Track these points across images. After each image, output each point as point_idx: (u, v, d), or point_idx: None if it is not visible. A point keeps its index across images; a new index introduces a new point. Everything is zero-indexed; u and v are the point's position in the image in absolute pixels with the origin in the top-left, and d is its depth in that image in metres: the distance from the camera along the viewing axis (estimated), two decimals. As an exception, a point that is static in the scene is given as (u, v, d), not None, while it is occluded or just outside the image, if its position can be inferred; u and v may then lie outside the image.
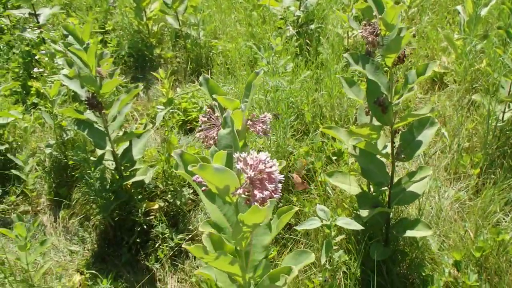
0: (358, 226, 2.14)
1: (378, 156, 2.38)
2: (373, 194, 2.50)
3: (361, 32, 2.01)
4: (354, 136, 2.34)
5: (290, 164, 3.08)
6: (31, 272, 2.55)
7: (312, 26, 4.16)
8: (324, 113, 3.45)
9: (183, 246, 1.14)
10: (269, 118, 1.57)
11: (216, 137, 1.53)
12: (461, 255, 2.37)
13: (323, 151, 3.08)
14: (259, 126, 1.53)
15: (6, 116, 3.55)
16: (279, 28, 4.23)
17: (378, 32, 1.98)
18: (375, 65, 2.14)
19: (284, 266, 1.39)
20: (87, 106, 2.68)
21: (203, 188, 1.15)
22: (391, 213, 2.48)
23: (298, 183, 1.56)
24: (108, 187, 2.83)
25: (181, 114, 3.69)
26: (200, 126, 1.55)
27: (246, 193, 1.14)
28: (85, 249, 2.96)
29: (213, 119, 1.53)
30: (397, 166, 2.67)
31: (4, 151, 3.50)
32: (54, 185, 3.34)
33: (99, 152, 2.86)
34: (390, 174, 2.37)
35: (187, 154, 1.25)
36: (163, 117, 3.27)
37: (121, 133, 2.89)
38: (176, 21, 4.41)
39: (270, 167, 1.16)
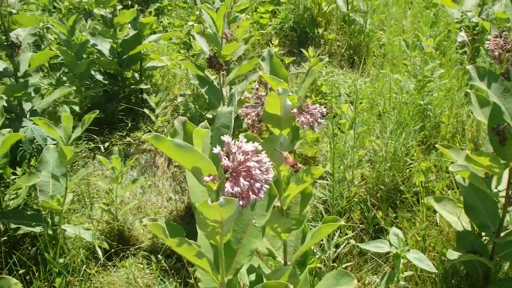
0: (430, 268, 1.83)
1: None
2: (477, 237, 2.12)
3: (489, 45, 1.66)
4: (471, 163, 2.00)
5: (405, 177, 2.77)
6: (117, 205, 2.66)
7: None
8: (465, 131, 3.03)
9: (144, 220, 1.02)
10: (320, 111, 1.36)
11: (254, 117, 1.38)
12: None
13: (443, 170, 2.72)
14: (304, 117, 1.34)
15: (158, 61, 3.73)
16: (448, 31, 3.81)
17: (510, 46, 1.61)
18: (504, 86, 1.77)
19: (280, 282, 1.21)
20: (207, 64, 2.67)
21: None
22: (493, 267, 2.09)
23: (289, 162, 1.34)
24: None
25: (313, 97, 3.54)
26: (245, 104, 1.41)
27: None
28: (182, 201, 2.99)
29: (257, 97, 1.38)
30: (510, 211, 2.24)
31: (145, 90, 3.68)
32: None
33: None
34: (500, 219, 1.99)
35: (190, 124, 1.12)
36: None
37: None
38: (345, 5, 4.24)
39: (256, 161, 0.99)
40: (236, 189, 0.96)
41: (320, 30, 4.43)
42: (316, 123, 1.36)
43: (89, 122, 2.34)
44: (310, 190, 1.60)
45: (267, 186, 1.01)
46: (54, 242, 2.42)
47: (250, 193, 0.99)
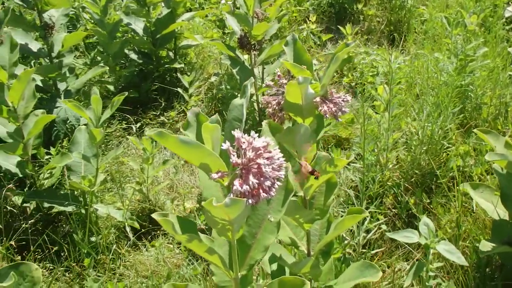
0: (461, 260, 1.76)
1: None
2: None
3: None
4: (511, 150, 1.90)
5: (442, 161, 2.67)
6: (148, 185, 2.67)
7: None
8: (509, 113, 2.89)
9: (153, 215, 1.00)
10: (345, 100, 1.30)
11: (275, 106, 1.33)
12: None
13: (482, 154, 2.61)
14: (327, 106, 1.28)
15: (192, 39, 3.69)
16: (495, 6, 3.62)
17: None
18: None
19: (297, 278, 1.17)
20: (238, 44, 2.62)
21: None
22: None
23: (307, 170, 1.28)
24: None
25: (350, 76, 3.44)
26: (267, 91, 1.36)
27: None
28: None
29: (280, 85, 1.33)
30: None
31: (179, 69, 3.66)
32: (208, 112, 3.41)
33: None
34: (539, 209, 1.90)
35: (203, 116, 1.09)
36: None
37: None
38: (386, -22, 4.08)
39: (267, 158, 0.94)
40: (245, 187, 0.92)
41: (360, 6, 4.29)
42: (339, 113, 1.31)
43: (118, 104, 2.33)
44: (335, 180, 1.55)
45: (279, 184, 0.97)
46: (86, 221, 2.45)
47: (261, 191, 0.95)
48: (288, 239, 1.60)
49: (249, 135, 0.97)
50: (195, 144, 0.90)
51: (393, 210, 2.55)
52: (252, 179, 0.93)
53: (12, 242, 2.27)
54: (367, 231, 2.35)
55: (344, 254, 2.28)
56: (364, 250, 2.30)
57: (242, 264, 1.15)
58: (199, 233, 1.13)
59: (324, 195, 1.56)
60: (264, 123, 1.48)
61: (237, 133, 0.95)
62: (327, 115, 1.29)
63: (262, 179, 0.94)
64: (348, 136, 3.05)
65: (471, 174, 2.62)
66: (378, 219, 2.41)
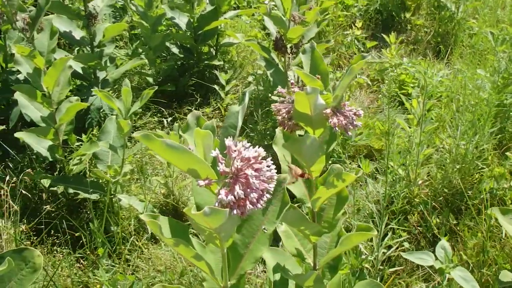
0: None
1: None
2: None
3: None
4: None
5: (474, 182, 2.57)
6: (173, 179, 2.68)
7: None
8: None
9: (141, 217, 0.99)
10: (357, 114, 1.26)
11: (285, 114, 1.30)
12: None
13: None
14: (337, 119, 1.24)
15: (234, 38, 3.69)
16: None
17: None
18: None
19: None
20: (273, 46, 2.60)
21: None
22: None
23: (297, 173, 1.25)
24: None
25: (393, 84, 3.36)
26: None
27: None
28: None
29: (290, 93, 1.30)
30: None
31: (218, 66, 3.67)
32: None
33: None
34: None
35: (203, 120, 1.07)
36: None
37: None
38: (437, -12, 3.97)
39: (255, 169, 0.92)
40: (230, 197, 0.90)
41: (408, 15, 4.20)
42: (350, 126, 1.26)
43: (148, 97, 2.35)
44: (346, 193, 1.50)
45: (268, 196, 0.94)
46: (109, 210, 2.49)
47: (247, 202, 0.92)
48: (294, 250, 1.57)
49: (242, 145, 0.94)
50: (181, 149, 0.88)
51: (419, 228, 2.47)
52: (238, 190, 0.90)
53: (23, 227, 2.32)
54: (389, 247, 2.29)
55: (361, 269, 2.23)
56: (381, 267, 2.24)
57: (232, 273, 1.13)
58: (191, 237, 1.11)
59: (334, 208, 1.52)
60: (277, 130, 1.45)
61: (228, 141, 0.93)
62: (336, 128, 1.25)
63: (248, 190, 0.92)
64: (381, 148, 2.97)
65: (505, 198, 2.51)
66: (400, 236, 2.34)
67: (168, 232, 1.04)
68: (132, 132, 3.08)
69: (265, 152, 0.95)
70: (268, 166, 0.94)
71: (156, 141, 0.87)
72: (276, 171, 0.96)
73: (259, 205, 0.94)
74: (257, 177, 0.92)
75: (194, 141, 0.95)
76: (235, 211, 0.92)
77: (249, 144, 0.95)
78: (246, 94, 1.03)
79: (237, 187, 0.91)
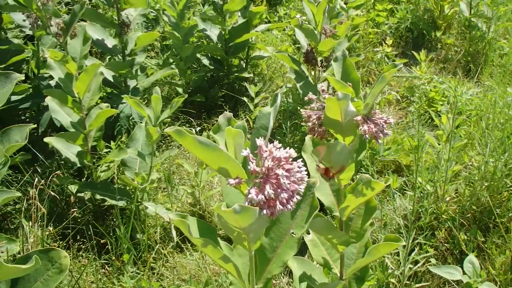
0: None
1: None
2: None
3: None
4: None
5: (503, 200, 2.52)
6: (200, 189, 2.69)
7: None
8: None
9: (170, 216, 1.00)
10: (387, 122, 1.25)
11: (315, 120, 1.30)
12: None
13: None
14: (368, 126, 1.24)
15: (264, 51, 3.72)
16: None
17: None
18: None
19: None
20: (303, 58, 2.61)
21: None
22: None
23: (321, 169, 1.24)
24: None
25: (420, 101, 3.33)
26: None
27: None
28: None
29: (321, 100, 1.30)
30: None
31: (248, 78, 3.69)
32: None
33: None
34: None
35: (234, 121, 1.08)
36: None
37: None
38: (468, 9, 3.96)
39: (286, 169, 0.92)
40: (260, 196, 0.90)
41: (438, 34, 4.18)
42: (380, 134, 1.26)
43: (177, 105, 2.37)
44: (375, 203, 1.49)
45: (298, 198, 0.94)
46: (135, 217, 2.50)
47: (277, 202, 0.92)
48: (321, 259, 1.56)
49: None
50: (213, 146, 0.89)
51: (446, 244, 2.43)
52: (268, 189, 0.90)
53: (51, 229, 2.34)
54: (415, 263, 2.26)
55: (388, 284, 2.20)
56: (407, 282, 2.21)
57: (260, 277, 1.12)
58: (219, 240, 1.11)
59: (362, 218, 1.51)
60: (307, 137, 1.45)
61: (259, 141, 0.94)
62: (366, 136, 1.25)
63: (279, 190, 0.92)
64: (409, 163, 2.94)
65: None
66: (427, 251, 2.31)
67: (196, 233, 1.04)
68: (165, 141, 3.13)
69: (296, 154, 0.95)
70: (299, 167, 0.94)
71: (188, 137, 0.88)
72: (306, 172, 0.96)
73: (289, 206, 0.93)
74: (287, 178, 0.92)
75: (225, 140, 0.95)
76: (264, 211, 0.91)
77: (280, 145, 0.95)
78: (278, 95, 1.03)
79: (267, 187, 0.91)
